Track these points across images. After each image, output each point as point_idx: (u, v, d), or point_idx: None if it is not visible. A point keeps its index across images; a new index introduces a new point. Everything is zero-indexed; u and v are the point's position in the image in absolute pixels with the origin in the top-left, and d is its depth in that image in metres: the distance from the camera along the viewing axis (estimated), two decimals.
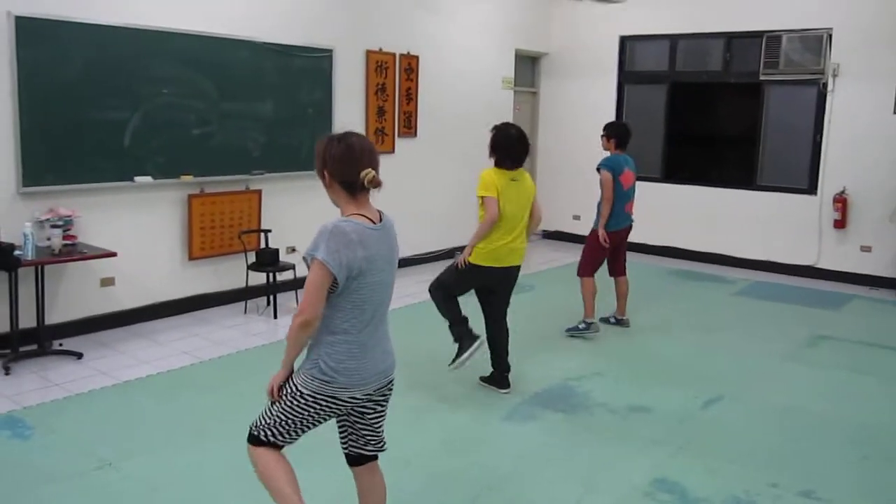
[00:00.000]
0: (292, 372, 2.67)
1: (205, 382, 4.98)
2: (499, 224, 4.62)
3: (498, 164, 4.70)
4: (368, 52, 7.73)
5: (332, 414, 2.66)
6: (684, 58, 9.42)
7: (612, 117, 9.83)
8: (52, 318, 5.55)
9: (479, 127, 9.20)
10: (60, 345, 5.45)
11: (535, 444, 4.19)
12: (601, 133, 6.23)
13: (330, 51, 7.22)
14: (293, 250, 7.25)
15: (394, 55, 8.01)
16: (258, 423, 2.68)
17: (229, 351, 5.56)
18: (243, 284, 6.66)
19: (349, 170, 2.54)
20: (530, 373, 5.24)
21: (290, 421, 2.62)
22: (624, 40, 9.76)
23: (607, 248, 6.08)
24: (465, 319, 4.82)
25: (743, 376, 5.36)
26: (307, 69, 7.07)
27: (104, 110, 5.67)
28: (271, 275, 6.55)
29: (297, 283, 6.89)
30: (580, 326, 6.07)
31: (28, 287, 5.28)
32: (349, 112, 7.59)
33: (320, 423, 2.68)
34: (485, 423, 4.45)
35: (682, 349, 5.93)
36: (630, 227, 6.25)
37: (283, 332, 6.09)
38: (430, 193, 8.73)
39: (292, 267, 6.64)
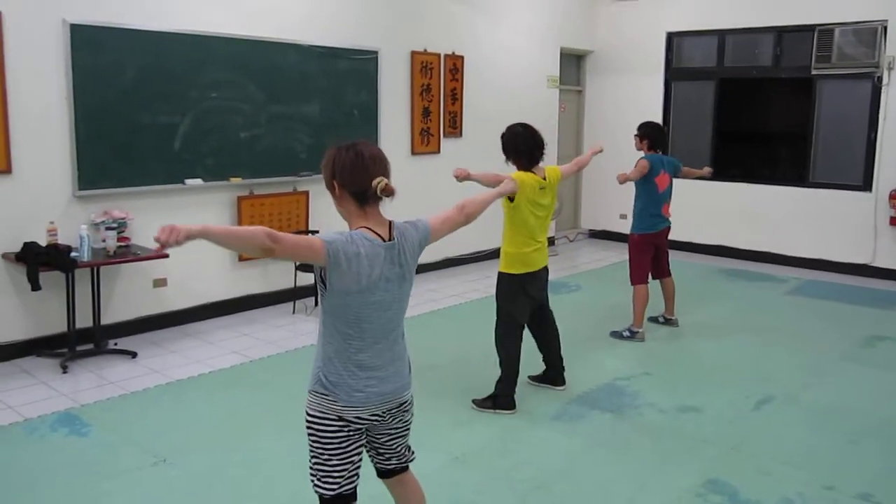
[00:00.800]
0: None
1: (255, 381, 5.05)
2: (522, 231, 4.53)
3: (519, 168, 4.57)
4: (413, 53, 7.77)
5: (350, 437, 2.48)
6: (733, 53, 9.25)
7: (658, 115, 9.73)
8: (106, 318, 5.69)
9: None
10: (115, 344, 5.59)
11: (585, 444, 4.16)
12: (634, 133, 6.12)
13: (375, 52, 7.27)
14: None
15: (439, 55, 8.03)
16: (311, 476, 2.53)
17: (278, 350, 5.64)
18: (291, 285, 6.74)
19: (360, 178, 2.42)
20: (578, 373, 5.19)
21: (322, 458, 2.48)
22: (671, 36, 9.62)
23: (651, 252, 6.00)
24: (514, 383, 4.62)
25: (796, 376, 5.24)
26: (353, 71, 7.13)
27: (156, 115, 5.80)
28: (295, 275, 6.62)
29: None
30: (625, 334, 5.99)
31: (84, 288, 5.43)
32: (394, 113, 7.64)
33: (352, 450, 2.49)
34: (534, 423, 4.43)
35: (732, 349, 5.82)
36: (668, 230, 6.15)
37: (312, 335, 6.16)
38: (476, 193, 8.71)
39: None
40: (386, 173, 2.47)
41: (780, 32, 8.79)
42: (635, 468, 3.88)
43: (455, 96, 8.28)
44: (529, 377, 4.96)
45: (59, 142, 5.34)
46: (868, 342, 6.06)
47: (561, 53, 9.78)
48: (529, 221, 4.51)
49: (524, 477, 3.78)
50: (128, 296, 5.85)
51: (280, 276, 6.80)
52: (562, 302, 7.18)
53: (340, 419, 2.45)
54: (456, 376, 5.10)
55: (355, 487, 2.53)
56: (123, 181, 5.68)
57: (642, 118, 9.70)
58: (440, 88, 8.09)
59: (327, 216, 7.07)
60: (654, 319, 6.36)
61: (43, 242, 5.14)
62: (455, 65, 8.22)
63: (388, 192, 2.44)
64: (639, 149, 6.06)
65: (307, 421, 2.49)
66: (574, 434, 4.30)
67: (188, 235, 2.15)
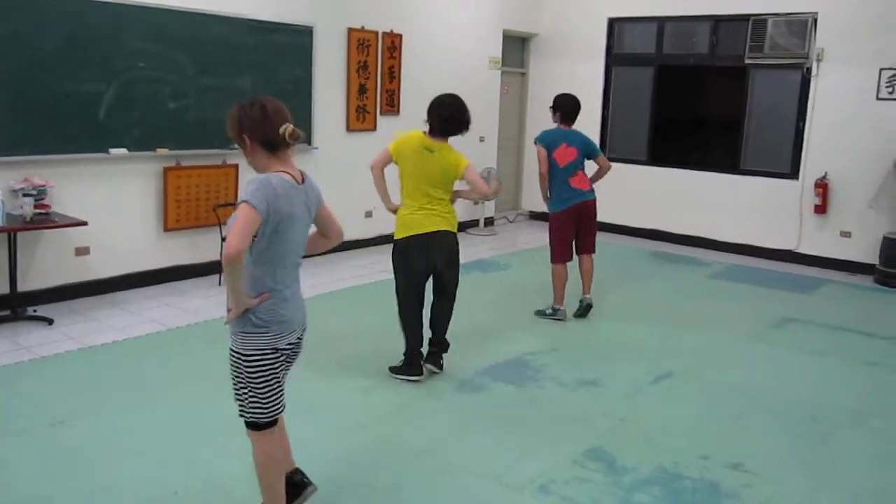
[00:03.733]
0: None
1: (168, 349, 5.11)
2: (408, 192, 4.58)
3: (430, 133, 4.59)
4: (350, 30, 7.80)
5: (281, 364, 2.76)
6: (672, 40, 9.43)
7: (599, 99, 9.90)
8: (27, 285, 5.70)
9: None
10: (34, 311, 5.60)
11: (480, 414, 4.30)
12: (549, 105, 6.22)
13: (310, 28, 7.30)
14: None
15: (376, 33, 8.07)
16: (243, 410, 2.79)
17: (196, 320, 5.69)
18: (218, 257, 6.79)
19: (268, 129, 2.65)
20: (490, 347, 5.34)
21: (262, 387, 2.73)
22: (612, 22, 9.77)
23: (569, 229, 6.09)
24: (420, 353, 4.74)
25: (700, 355, 5.44)
26: (287, 45, 7.15)
27: (80, 83, 5.78)
28: None
29: None
30: (547, 312, 6.13)
31: (1, 254, 5.43)
32: (329, 89, 7.68)
33: (281, 377, 2.80)
34: (437, 393, 4.57)
35: (645, 329, 6.00)
36: (587, 204, 6.08)
37: None
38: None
39: None
40: (289, 121, 2.71)
41: (717, 21, 8.98)
42: (522, 438, 4.03)
43: (393, 74, 8.34)
44: (390, 368, 4.81)
45: None
46: (778, 324, 6.29)
47: (504, 35, 9.87)
48: (409, 181, 4.56)
49: (413, 442, 3.91)
50: (49, 263, 5.86)
51: (209, 247, 6.84)
52: (489, 280, 7.35)
53: (275, 350, 2.72)
54: (371, 347, 5.20)
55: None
56: (45, 148, 5.67)
57: (584, 102, 9.84)
58: (377, 66, 8.15)
59: None
60: (540, 312, 6.23)
61: None
62: (393, 42, 8.27)
63: (295, 136, 2.69)
64: (554, 121, 6.12)
65: (241, 359, 2.71)
66: (471, 404, 4.44)
67: (237, 306, 2.66)
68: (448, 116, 4.55)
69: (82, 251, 6.02)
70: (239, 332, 2.71)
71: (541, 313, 6.16)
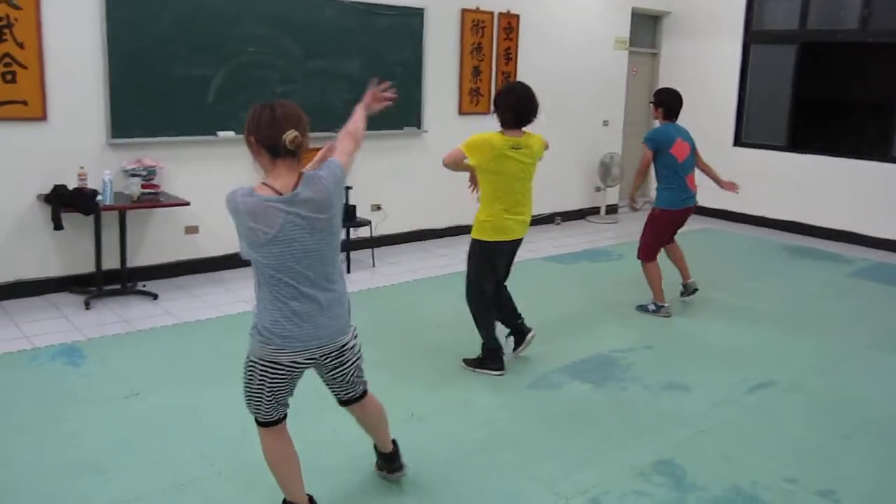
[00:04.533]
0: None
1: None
2: (497, 196, 4.35)
3: (503, 126, 4.35)
4: (464, 11, 7.65)
5: (284, 378, 2.70)
6: (817, 15, 8.58)
7: (735, 80, 9.21)
8: (139, 261, 6.01)
9: (587, 89, 8.95)
10: (143, 286, 5.90)
11: (549, 414, 4.07)
12: (649, 101, 5.79)
13: (421, 10, 7.22)
14: (378, 208, 7.40)
15: (492, 14, 7.87)
16: (247, 404, 2.81)
17: None
18: None
19: (272, 133, 2.54)
20: (577, 342, 5.08)
21: (256, 392, 2.73)
22: None
23: (672, 230, 5.74)
24: (500, 348, 4.58)
25: (813, 364, 4.91)
26: (396, 27, 7.11)
27: (190, 67, 6.00)
28: (348, 230, 6.72)
29: (373, 241, 7.05)
30: (650, 308, 5.76)
31: (112, 231, 5.75)
32: (441, 71, 7.58)
33: (285, 388, 2.74)
34: (507, 388, 4.37)
35: (757, 331, 5.49)
36: (694, 208, 5.76)
37: (355, 286, 6.27)
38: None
39: (368, 223, 6.78)
40: (300, 129, 2.58)
41: None
42: (590, 442, 3.77)
43: (509, 56, 8.11)
44: (465, 361, 4.65)
45: (93, 91, 5.63)
46: None
47: (633, 14, 9.36)
48: (497, 185, 4.33)
49: (471, 439, 3.74)
50: (159, 241, 6.15)
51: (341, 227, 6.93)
52: (595, 270, 7.02)
53: (276, 363, 2.66)
54: (450, 337, 5.07)
55: (286, 412, 2.84)
56: (156, 131, 5.94)
57: (719, 84, 9.31)
58: (492, 47, 7.95)
59: (364, 172, 7.16)
60: (642, 308, 5.82)
61: (74, 187, 5.47)
62: (510, 23, 8.03)
63: (297, 143, 2.56)
64: (654, 118, 5.74)
65: (247, 364, 2.72)
66: (543, 402, 4.21)
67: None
68: (516, 103, 4.30)
69: (191, 230, 6.28)
70: (251, 335, 2.68)
71: (643, 308, 5.79)
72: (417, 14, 7.20)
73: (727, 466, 3.56)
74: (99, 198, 5.39)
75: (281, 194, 2.55)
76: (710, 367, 4.78)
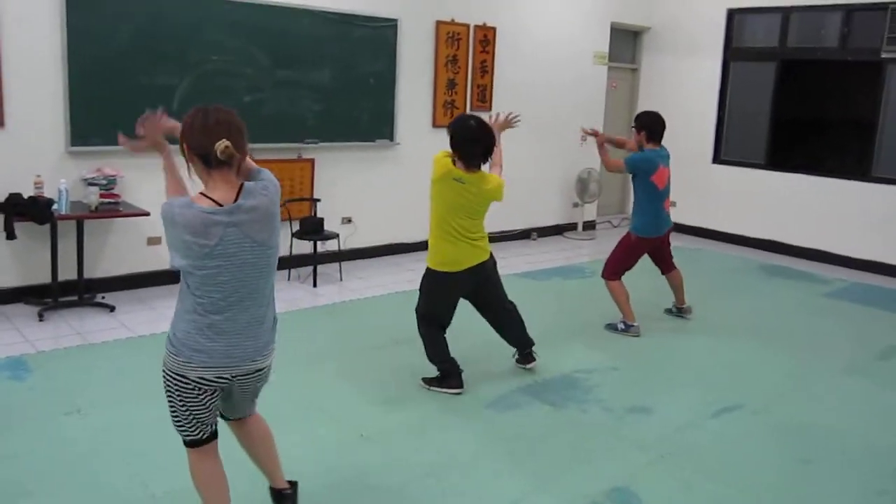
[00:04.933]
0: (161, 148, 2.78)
1: None
2: (446, 225, 4.22)
3: (456, 163, 4.20)
4: (439, 23, 7.56)
5: (195, 395, 2.53)
6: (797, 33, 8.53)
7: (714, 97, 9.17)
8: (98, 272, 5.87)
9: (565, 103, 8.87)
10: (102, 297, 5.75)
11: (505, 435, 3.94)
12: (631, 125, 5.67)
13: (395, 21, 7.12)
14: (349, 221, 7.28)
15: (468, 26, 7.79)
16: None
17: None
18: (287, 252, 6.75)
19: (203, 141, 2.42)
20: (542, 361, 4.93)
21: (174, 408, 2.59)
22: (732, 13, 8.97)
23: (641, 256, 5.64)
24: (455, 363, 4.44)
25: (782, 386, 4.80)
26: (369, 38, 7.01)
27: (153, 75, 5.88)
28: (315, 243, 6.59)
29: (341, 255, 6.92)
30: (619, 327, 5.65)
31: (69, 241, 5.60)
32: (415, 83, 7.48)
33: (200, 407, 2.57)
34: (464, 408, 4.24)
35: (727, 352, 5.38)
36: (669, 230, 5.71)
37: (320, 300, 6.14)
38: (504, 170, 8.42)
39: (336, 236, 6.65)
40: (233, 137, 2.44)
41: (850, 11, 8.03)
42: (543, 467, 3.64)
43: (485, 69, 8.03)
44: (424, 380, 4.52)
45: (52, 99, 5.51)
46: (886, 354, 5.49)
47: (613, 28, 9.30)
48: (446, 212, 4.21)
49: (420, 462, 3.61)
50: (119, 252, 6.00)
51: (281, 243, 6.79)
52: (566, 287, 6.92)
53: (184, 378, 2.50)
54: (409, 357, 4.94)
55: (213, 431, 2.68)
56: (117, 140, 5.79)
57: (699, 100, 9.26)
58: (468, 60, 7.86)
59: (334, 184, 7.04)
60: (668, 311, 6.09)
61: (29, 195, 5.33)
62: (486, 36, 7.95)
63: (228, 154, 2.42)
64: (637, 141, 5.54)
65: (163, 377, 2.56)
66: (500, 423, 4.08)
67: (155, 140, 2.76)
68: (463, 145, 4.16)
69: (154, 241, 6.13)
70: (167, 344, 2.55)
71: (612, 328, 5.68)
72: (391, 25, 7.11)
73: (685, 494, 3.44)
74: (55, 207, 5.26)
75: (221, 205, 2.43)
76: (676, 389, 4.67)
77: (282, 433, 3.07)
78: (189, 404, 2.55)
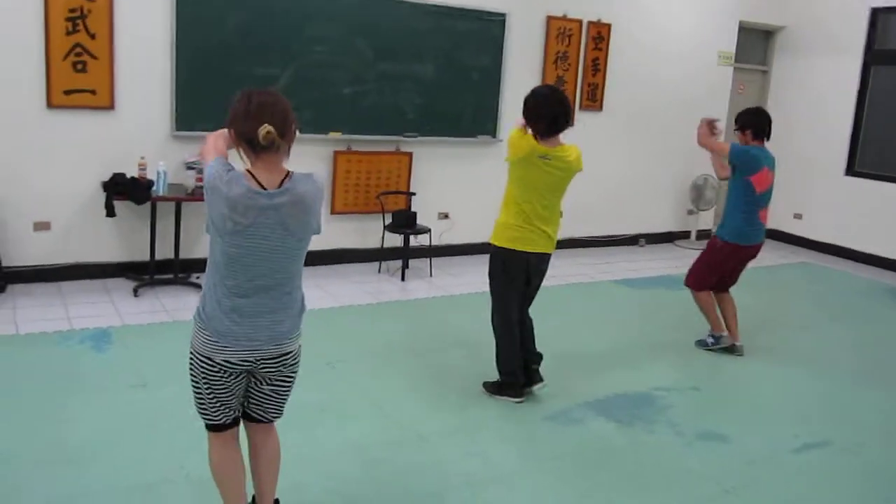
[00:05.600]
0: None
1: None
2: (519, 202, 4.02)
3: (537, 135, 3.96)
4: (550, 18, 7.35)
5: (221, 378, 2.51)
6: None
7: (852, 103, 8.43)
8: (195, 253, 6.09)
9: (683, 105, 8.42)
10: (197, 277, 5.96)
11: (557, 452, 3.74)
12: (734, 127, 5.17)
13: (503, 15, 6.98)
14: (446, 216, 7.22)
15: (580, 21, 7.52)
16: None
17: (333, 305, 5.70)
18: (379, 245, 6.75)
19: (247, 126, 2.40)
20: (617, 375, 4.70)
21: (197, 389, 2.58)
22: (876, 12, 8.20)
23: (730, 267, 5.18)
24: (516, 375, 4.23)
25: (880, 425, 4.31)
26: (475, 32, 6.90)
27: (257, 66, 6.02)
28: (406, 237, 6.56)
29: (433, 250, 6.86)
30: (709, 341, 5.27)
31: (168, 222, 5.85)
32: (521, 79, 7.25)
33: (224, 390, 2.55)
34: (521, 419, 4.07)
35: (823, 383, 4.89)
36: (760, 247, 5.17)
37: (406, 295, 6.12)
38: (610, 174, 8.11)
39: (428, 231, 6.60)
40: (276, 121, 2.41)
41: None
42: (589, 489, 3.42)
43: (597, 67, 7.74)
44: (485, 385, 4.37)
45: (160, 84, 5.76)
46: None
47: (742, 28, 8.73)
48: (522, 191, 4.00)
49: (462, 470, 3.48)
50: None
51: (373, 232, 6.83)
52: (667, 298, 6.54)
53: (209, 359, 2.50)
54: (486, 356, 4.81)
55: (235, 418, 2.66)
56: (220, 126, 5.96)
57: (833, 106, 8.57)
58: (579, 57, 7.60)
59: (430, 179, 6.99)
60: (701, 343, 5.35)
61: (131, 176, 5.60)
62: (600, 33, 7.66)
63: (269, 139, 2.39)
64: (742, 142, 5.06)
65: (190, 356, 2.58)
66: (555, 437, 3.88)
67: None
68: (547, 108, 3.93)
69: None
70: (194, 321, 2.56)
71: (701, 344, 5.32)
72: (499, 19, 6.97)
73: None
74: (153, 188, 5.49)
75: (265, 188, 2.42)
76: (760, 417, 4.30)
77: (328, 425, 3.02)
78: (213, 385, 2.53)
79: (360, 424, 3.82)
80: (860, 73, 8.35)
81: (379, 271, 6.67)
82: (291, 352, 2.62)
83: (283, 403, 2.73)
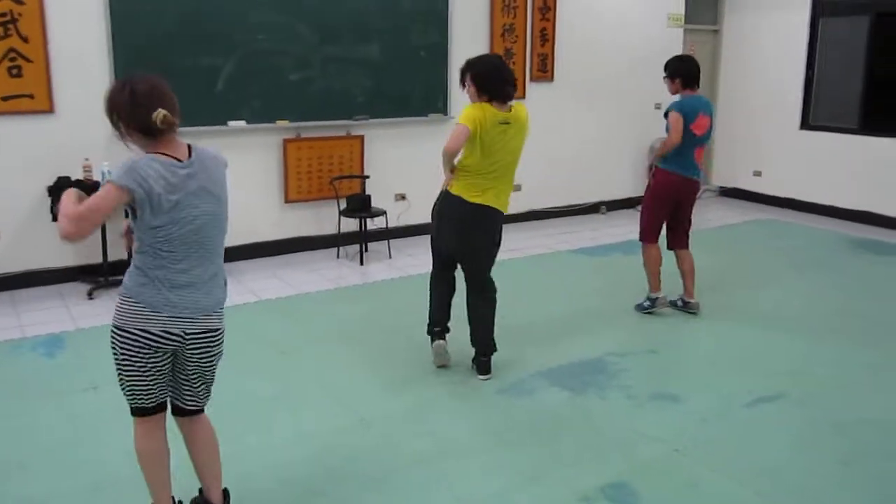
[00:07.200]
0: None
1: (239, 324, 5.10)
2: (477, 173, 3.97)
3: (489, 99, 3.94)
4: None
5: (153, 353, 2.50)
6: None
7: (802, 57, 8.47)
8: None
9: (636, 70, 8.41)
10: None
11: (509, 423, 3.76)
12: (663, 75, 5.20)
13: None
14: (402, 198, 7.20)
15: None
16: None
17: (290, 293, 5.68)
18: (335, 230, 6.73)
19: (140, 114, 2.42)
20: (572, 343, 4.73)
21: (124, 369, 2.55)
22: None
23: (670, 205, 5.15)
24: (441, 330, 4.33)
25: (836, 377, 4.35)
26: (419, 10, 6.86)
27: (198, 57, 5.96)
28: (362, 221, 6.54)
29: (391, 232, 6.84)
30: (645, 304, 5.30)
31: (120, 223, 5.78)
32: (469, 54, 7.14)
33: (154, 367, 2.53)
34: (475, 393, 4.08)
35: (790, 336, 4.93)
36: (697, 186, 5.20)
37: (364, 278, 6.11)
38: (567, 143, 8.12)
39: (383, 213, 6.58)
40: (165, 103, 2.46)
41: None
42: (541, 458, 3.44)
43: (546, 37, 7.71)
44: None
45: (99, 83, 5.63)
46: None
47: None
48: (491, 165, 3.96)
49: (413, 449, 3.50)
50: None
51: (329, 219, 6.80)
52: (625, 263, 6.51)
53: (145, 332, 2.48)
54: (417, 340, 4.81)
55: (162, 402, 2.65)
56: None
57: (784, 61, 8.59)
58: (526, 28, 7.56)
59: (384, 161, 6.96)
60: (672, 304, 5.37)
61: (76, 178, 5.53)
62: (546, 3, 7.62)
63: (168, 122, 2.45)
64: (672, 91, 5.14)
65: (113, 338, 2.55)
66: (507, 410, 3.90)
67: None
68: (495, 72, 3.99)
69: None
70: (119, 298, 2.52)
71: (640, 308, 5.33)
72: None
73: (690, 495, 3.17)
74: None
75: (178, 160, 2.46)
76: (715, 375, 4.34)
77: (280, 411, 3.02)
78: (146, 360, 2.50)
79: (310, 412, 3.82)
80: (809, 26, 8.38)
81: (338, 257, 6.65)
82: (218, 329, 2.65)
83: (210, 385, 2.76)
